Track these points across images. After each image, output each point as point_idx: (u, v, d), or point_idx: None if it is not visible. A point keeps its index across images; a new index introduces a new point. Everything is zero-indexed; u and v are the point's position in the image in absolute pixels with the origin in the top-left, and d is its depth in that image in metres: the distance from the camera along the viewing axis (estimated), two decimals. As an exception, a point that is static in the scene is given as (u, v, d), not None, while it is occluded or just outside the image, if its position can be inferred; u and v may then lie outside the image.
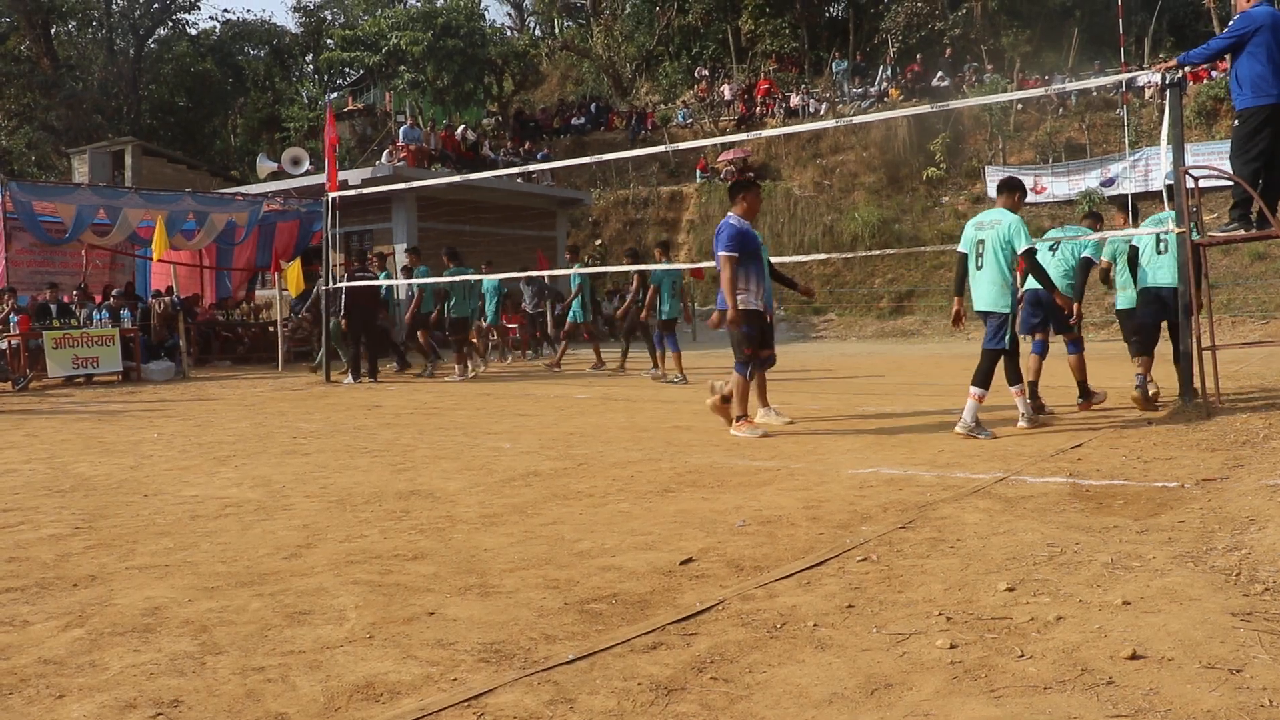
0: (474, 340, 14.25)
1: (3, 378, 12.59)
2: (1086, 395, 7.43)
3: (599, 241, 26.49)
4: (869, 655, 2.47)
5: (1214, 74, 21.44)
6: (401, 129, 24.06)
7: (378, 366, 13.02)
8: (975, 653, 2.45)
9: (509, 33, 39.70)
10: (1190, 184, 6.63)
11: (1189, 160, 7.58)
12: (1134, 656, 2.35)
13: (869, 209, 23.68)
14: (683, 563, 3.40)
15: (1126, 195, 9.68)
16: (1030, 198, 19.78)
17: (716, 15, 33.27)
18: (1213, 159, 16.16)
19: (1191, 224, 6.56)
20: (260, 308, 18.99)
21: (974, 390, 6.23)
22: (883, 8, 31.74)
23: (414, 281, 13.29)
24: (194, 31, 37.74)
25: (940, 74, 27.03)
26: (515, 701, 2.23)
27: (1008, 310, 6.29)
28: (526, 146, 28.56)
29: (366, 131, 30.20)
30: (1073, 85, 18.51)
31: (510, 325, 16.85)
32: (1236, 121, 6.45)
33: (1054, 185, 22.52)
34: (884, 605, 2.86)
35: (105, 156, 25.67)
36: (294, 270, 14.72)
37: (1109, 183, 21.49)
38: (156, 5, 35.47)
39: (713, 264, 6.96)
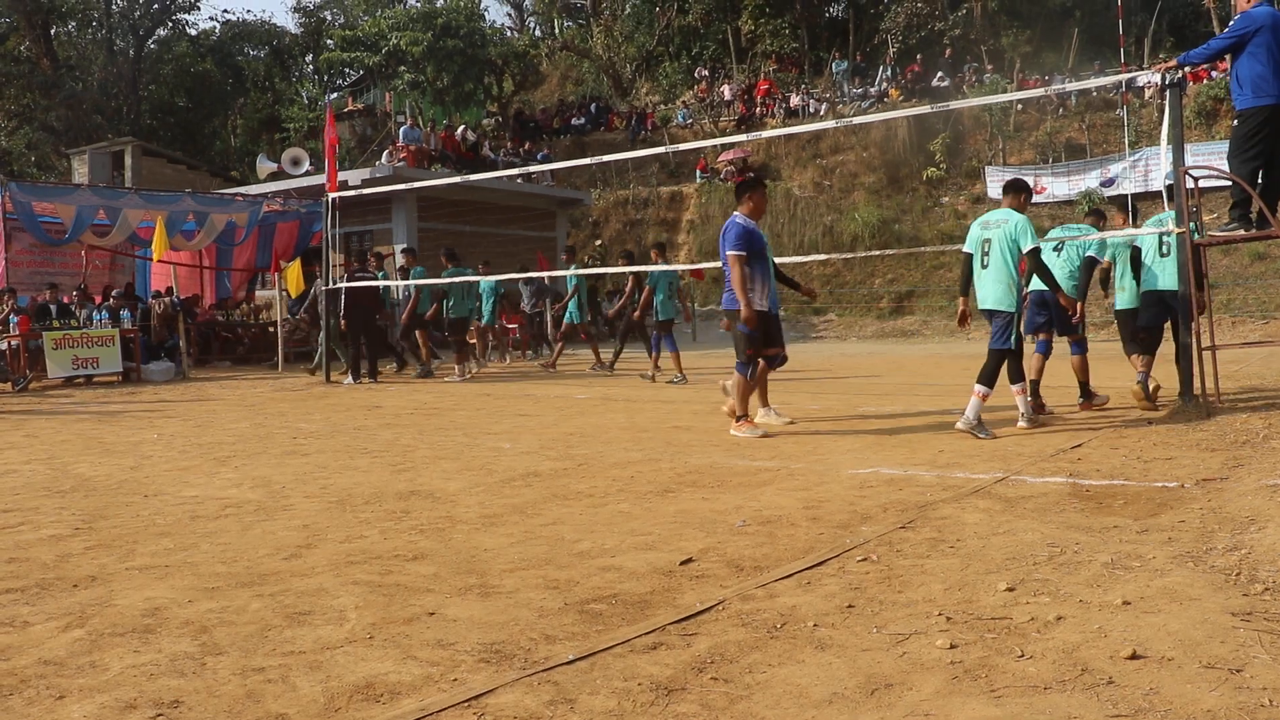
0: (472, 340, 14.26)
1: (3, 378, 12.58)
2: (1088, 396, 7.43)
3: (599, 242, 26.47)
4: (869, 655, 2.47)
5: (1214, 74, 21.44)
6: (401, 129, 24.05)
7: (378, 367, 13.03)
8: (975, 653, 2.45)
9: (509, 33, 39.74)
10: (1190, 184, 6.64)
11: (1189, 160, 7.58)
12: (1134, 656, 2.35)
13: (869, 209, 23.67)
14: (683, 563, 3.40)
15: (1126, 195, 9.70)
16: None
17: (716, 15, 33.27)
18: (1213, 159, 16.15)
19: (1192, 224, 6.57)
20: (260, 308, 18.98)
21: (978, 388, 6.25)
22: (883, 8, 31.73)
23: (413, 282, 13.31)
24: (194, 32, 37.76)
25: (940, 74, 27.02)
26: (515, 702, 2.23)
27: (1014, 309, 6.30)
28: (526, 147, 28.53)
29: (366, 132, 30.17)
30: (1073, 85, 18.47)
31: (510, 325, 16.86)
32: (1236, 121, 6.46)
33: (1054, 185, 22.50)
34: (884, 605, 2.87)
35: (105, 157, 25.65)
36: (294, 271, 14.74)
37: (1109, 183, 21.47)
38: (156, 6, 35.45)
39: (712, 264, 6.95)
